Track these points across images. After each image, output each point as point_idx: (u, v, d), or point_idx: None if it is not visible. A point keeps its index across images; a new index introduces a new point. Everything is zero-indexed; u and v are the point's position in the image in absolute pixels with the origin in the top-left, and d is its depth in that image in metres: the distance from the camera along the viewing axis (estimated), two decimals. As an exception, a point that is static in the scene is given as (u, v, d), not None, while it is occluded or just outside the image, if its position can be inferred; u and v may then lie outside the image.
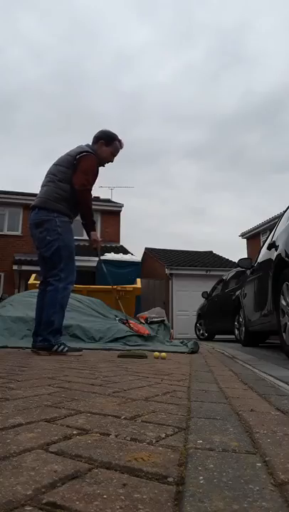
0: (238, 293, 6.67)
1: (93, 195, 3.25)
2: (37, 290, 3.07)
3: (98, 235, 3.20)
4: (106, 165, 3.20)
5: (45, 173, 3.05)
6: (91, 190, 2.99)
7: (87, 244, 14.95)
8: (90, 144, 3.12)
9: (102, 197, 16.34)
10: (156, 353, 2.89)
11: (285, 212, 4.03)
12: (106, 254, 11.08)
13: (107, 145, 3.11)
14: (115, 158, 3.21)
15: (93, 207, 3.17)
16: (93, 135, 3.15)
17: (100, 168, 3.14)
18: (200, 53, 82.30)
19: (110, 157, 3.16)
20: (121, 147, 3.19)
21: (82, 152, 2.94)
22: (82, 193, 2.91)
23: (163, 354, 2.85)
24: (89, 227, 3.09)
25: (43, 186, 2.99)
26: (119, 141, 3.16)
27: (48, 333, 2.75)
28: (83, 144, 3.09)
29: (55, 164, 3.01)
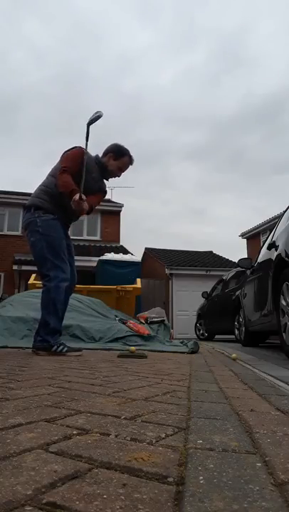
0: (238, 293, 6.67)
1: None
2: (37, 290, 3.07)
3: (81, 196, 2.77)
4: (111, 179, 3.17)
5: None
6: (67, 171, 2.79)
7: (86, 244, 14.99)
8: (100, 155, 3.08)
9: (102, 197, 16.32)
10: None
11: (285, 212, 4.03)
12: (106, 254, 11.08)
13: (115, 159, 3.04)
14: (123, 173, 3.13)
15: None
16: (105, 146, 3.10)
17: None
18: (201, 56, 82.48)
19: (117, 171, 3.08)
20: (131, 163, 3.12)
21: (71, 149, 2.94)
22: (59, 177, 2.79)
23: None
24: (69, 195, 2.76)
25: None
26: (130, 156, 3.09)
27: (45, 333, 2.75)
28: (92, 155, 3.05)
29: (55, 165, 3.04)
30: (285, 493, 0.51)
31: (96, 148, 3.13)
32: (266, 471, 0.60)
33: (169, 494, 0.50)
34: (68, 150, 2.96)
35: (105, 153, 3.07)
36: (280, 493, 0.51)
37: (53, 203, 2.85)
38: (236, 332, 6.69)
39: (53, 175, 2.92)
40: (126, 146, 3.11)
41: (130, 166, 3.14)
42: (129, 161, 3.11)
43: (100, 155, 3.08)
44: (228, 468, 0.60)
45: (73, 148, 2.96)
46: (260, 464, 0.63)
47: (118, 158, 3.05)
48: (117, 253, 11.68)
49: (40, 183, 2.99)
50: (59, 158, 2.98)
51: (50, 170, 2.99)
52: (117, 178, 3.15)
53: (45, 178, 2.99)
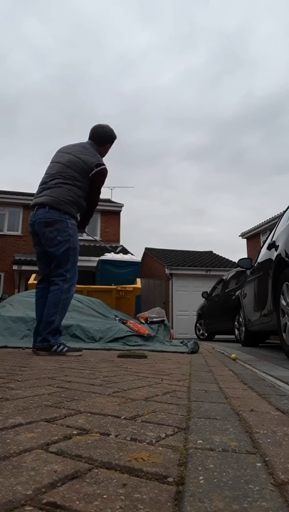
0: (238, 293, 6.68)
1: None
2: None
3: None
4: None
5: (48, 169, 3.01)
6: None
7: (86, 244, 14.99)
8: (91, 141, 3.13)
9: (102, 197, 16.29)
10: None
11: (285, 212, 4.03)
12: (106, 254, 11.08)
13: (110, 146, 3.24)
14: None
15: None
16: (94, 130, 3.16)
17: None
18: (201, 57, 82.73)
19: (107, 152, 3.28)
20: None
21: (98, 165, 2.96)
22: (94, 208, 3.23)
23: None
24: (86, 222, 3.25)
25: (50, 183, 2.91)
26: (116, 137, 3.28)
27: (47, 332, 2.75)
28: (90, 148, 3.07)
29: (64, 165, 2.94)
30: (285, 493, 0.51)
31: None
32: (266, 471, 0.60)
33: (169, 494, 0.50)
34: (98, 169, 2.96)
35: (102, 143, 3.16)
36: (280, 493, 0.51)
37: (79, 211, 3.02)
38: (236, 332, 6.69)
39: (81, 188, 2.94)
40: (109, 126, 3.24)
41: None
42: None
43: (91, 141, 3.15)
44: (228, 468, 0.60)
45: (102, 169, 2.99)
46: (260, 464, 0.63)
47: (111, 143, 3.26)
48: (117, 253, 11.68)
49: (63, 187, 2.89)
50: (81, 167, 2.93)
51: (70, 177, 2.91)
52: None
53: (68, 183, 2.90)
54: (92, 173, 2.95)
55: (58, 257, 2.86)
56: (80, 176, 2.94)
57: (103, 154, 3.17)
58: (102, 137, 3.15)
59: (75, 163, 2.96)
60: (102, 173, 3.03)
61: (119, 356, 2.75)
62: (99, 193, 3.13)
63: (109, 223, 16.10)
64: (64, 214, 2.86)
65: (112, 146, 3.28)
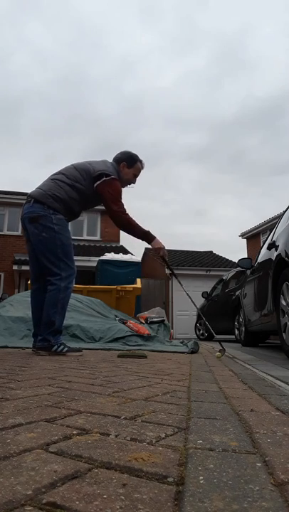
0: (238, 293, 6.68)
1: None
2: None
3: (160, 242, 3.07)
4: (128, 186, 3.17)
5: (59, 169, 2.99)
6: (126, 212, 2.94)
7: (86, 244, 14.99)
8: (114, 162, 3.08)
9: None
10: (218, 353, 3.13)
11: (285, 212, 4.03)
12: (106, 254, 11.09)
13: (129, 167, 3.09)
14: (137, 179, 3.19)
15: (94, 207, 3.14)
16: (114, 155, 3.11)
17: None
18: (202, 59, 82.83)
19: (132, 178, 3.13)
20: (142, 168, 3.17)
21: (107, 175, 2.87)
22: (121, 222, 2.93)
23: (218, 354, 3.12)
24: (145, 239, 3.03)
25: (48, 179, 2.91)
26: (141, 161, 3.15)
27: (47, 333, 2.74)
28: (108, 162, 3.03)
29: (74, 167, 2.94)
30: (285, 493, 0.51)
31: (101, 150, 3.17)
32: (266, 471, 0.60)
33: (169, 494, 0.50)
34: (107, 178, 2.86)
35: (117, 161, 3.08)
36: (280, 493, 0.51)
37: (65, 211, 2.86)
38: (236, 332, 6.70)
39: (78, 191, 2.85)
40: (134, 152, 3.15)
41: (142, 171, 3.20)
42: (141, 166, 3.17)
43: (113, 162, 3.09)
44: (228, 468, 0.60)
45: (112, 180, 2.88)
46: (260, 464, 0.63)
47: (131, 165, 3.10)
48: (117, 253, 11.67)
49: (56, 182, 2.84)
50: (87, 170, 2.88)
51: (72, 176, 2.86)
52: (132, 184, 3.17)
53: (63, 180, 2.85)
54: (98, 182, 2.84)
55: (47, 256, 2.78)
56: (81, 178, 2.86)
57: (124, 175, 3.06)
58: (117, 157, 3.10)
59: (84, 167, 2.92)
60: (112, 184, 2.87)
61: (119, 356, 2.75)
62: (111, 209, 2.88)
63: (109, 223, 16.02)
64: (48, 209, 2.77)
65: (137, 175, 3.14)
